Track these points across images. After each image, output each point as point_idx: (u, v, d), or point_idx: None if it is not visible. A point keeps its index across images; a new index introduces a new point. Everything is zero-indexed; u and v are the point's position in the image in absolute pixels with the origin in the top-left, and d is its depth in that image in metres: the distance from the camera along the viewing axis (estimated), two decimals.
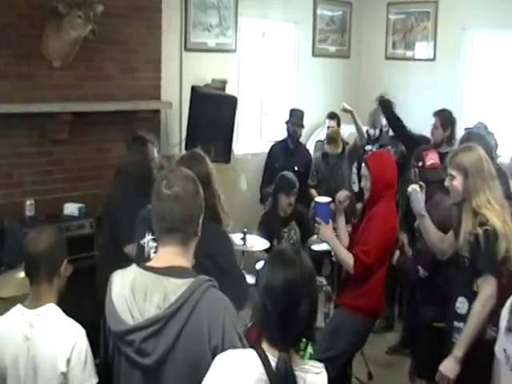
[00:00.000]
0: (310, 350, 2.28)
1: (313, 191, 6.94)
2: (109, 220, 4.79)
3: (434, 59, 8.53)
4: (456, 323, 3.67)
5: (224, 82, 7.03)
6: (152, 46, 6.44)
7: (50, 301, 2.89)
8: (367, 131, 7.60)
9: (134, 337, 2.23)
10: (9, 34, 5.39)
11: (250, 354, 2.12)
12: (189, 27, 7.00)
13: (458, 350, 3.53)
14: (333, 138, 6.97)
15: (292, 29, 8.31)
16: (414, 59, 8.75)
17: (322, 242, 4.91)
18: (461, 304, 3.64)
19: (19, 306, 2.90)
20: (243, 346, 2.24)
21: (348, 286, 4.45)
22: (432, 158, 4.84)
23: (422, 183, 4.18)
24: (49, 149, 5.74)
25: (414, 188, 4.08)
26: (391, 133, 6.75)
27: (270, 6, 7.83)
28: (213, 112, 6.33)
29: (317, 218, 4.44)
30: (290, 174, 6.20)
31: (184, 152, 6.60)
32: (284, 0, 7.98)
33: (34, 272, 2.90)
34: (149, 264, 2.38)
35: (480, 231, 3.47)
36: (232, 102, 6.57)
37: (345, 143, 7.14)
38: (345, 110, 7.09)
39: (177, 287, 2.25)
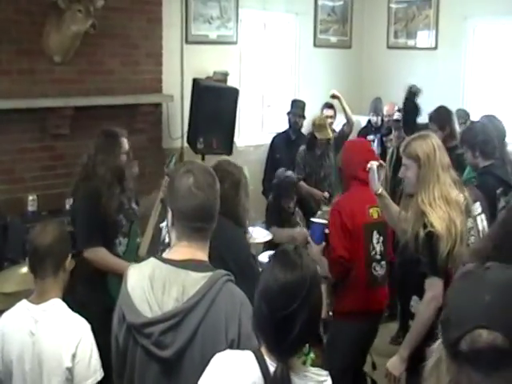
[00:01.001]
0: (312, 355, 2.15)
1: (302, 184, 6.75)
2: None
3: (435, 48, 8.51)
4: (410, 322, 3.68)
5: (225, 74, 7.03)
6: (153, 39, 6.44)
7: (55, 296, 2.90)
8: (369, 120, 7.60)
9: (153, 329, 2.23)
10: (9, 30, 5.40)
11: (249, 356, 2.04)
12: (189, 20, 6.99)
13: (404, 350, 3.52)
14: (322, 124, 6.85)
15: (293, 20, 8.29)
16: (416, 48, 8.72)
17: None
18: (414, 303, 3.61)
19: (24, 301, 2.91)
20: (259, 342, 2.19)
21: (335, 294, 4.47)
22: None
23: (381, 162, 4.05)
24: (50, 144, 5.76)
25: (371, 165, 3.88)
26: (396, 116, 6.73)
27: None
28: (214, 104, 6.32)
29: (309, 237, 4.49)
30: (288, 178, 6.22)
31: (185, 145, 6.64)
32: None
33: (40, 266, 2.90)
34: (166, 256, 2.36)
35: (422, 233, 3.38)
36: (233, 94, 6.56)
37: (333, 131, 7.09)
38: (333, 97, 7.06)
39: (195, 281, 2.24)
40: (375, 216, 4.41)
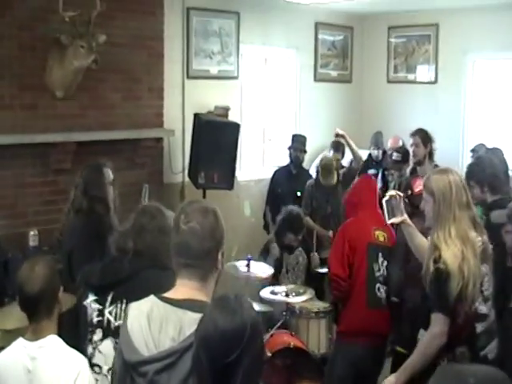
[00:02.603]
0: None
1: (307, 219, 6.65)
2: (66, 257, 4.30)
3: (435, 82, 8.58)
4: None
5: (226, 109, 7.06)
6: (154, 74, 6.48)
7: (51, 332, 2.86)
8: (370, 153, 7.61)
9: (148, 368, 2.20)
10: (12, 66, 5.44)
11: None
12: (191, 55, 7.05)
13: (400, 374, 3.46)
14: (327, 169, 6.71)
15: (294, 54, 8.36)
16: (416, 82, 8.79)
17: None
18: (421, 336, 3.55)
19: (20, 339, 2.87)
20: None
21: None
22: (420, 185, 4.80)
23: (399, 193, 3.97)
24: (52, 178, 5.76)
25: (390, 194, 3.84)
26: (395, 156, 6.76)
27: (272, 33, 7.89)
28: (216, 139, 6.33)
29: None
30: (296, 212, 6.09)
31: (187, 180, 6.64)
32: (285, 26, 8.03)
33: (33, 312, 2.86)
34: (166, 295, 2.34)
35: (431, 268, 3.33)
36: (235, 128, 6.58)
37: (339, 170, 7.01)
38: (337, 135, 7.05)
39: (192, 321, 2.19)
40: (381, 239, 4.46)
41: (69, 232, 4.39)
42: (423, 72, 8.70)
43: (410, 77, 8.85)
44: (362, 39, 9.19)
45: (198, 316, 2.19)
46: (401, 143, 7.57)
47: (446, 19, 8.33)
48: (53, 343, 2.84)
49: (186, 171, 6.68)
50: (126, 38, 6.15)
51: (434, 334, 3.39)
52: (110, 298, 3.08)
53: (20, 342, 2.86)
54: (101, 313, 3.08)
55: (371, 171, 7.19)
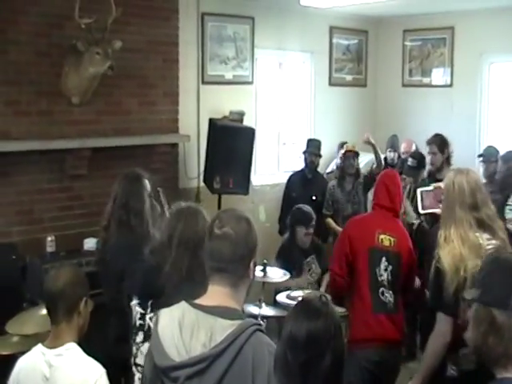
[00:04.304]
0: None
1: (329, 220, 6.91)
2: (113, 275, 4.17)
3: (451, 85, 8.54)
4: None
5: (241, 114, 7.07)
6: (169, 79, 6.50)
7: (69, 340, 2.88)
8: (385, 157, 7.59)
9: (179, 373, 2.22)
10: (29, 72, 5.47)
11: None
12: (206, 60, 7.06)
13: (415, 379, 3.55)
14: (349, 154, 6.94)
15: (308, 59, 8.35)
16: (431, 86, 8.75)
17: None
18: None
19: (39, 346, 2.89)
20: None
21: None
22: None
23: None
24: (68, 184, 5.79)
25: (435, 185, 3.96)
26: (410, 163, 6.72)
27: (287, 37, 7.89)
28: (231, 144, 6.34)
29: None
30: (306, 207, 6.19)
31: (202, 185, 6.64)
32: (300, 30, 8.03)
33: (53, 311, 2.90)
34: (198, 301, 2.35)
35: (432, 267, 3.39)
36: (250, 133, 6.58)
37: (359, 170, 7.08)
38: (368, 142, 7.04)
39: (223, 328, 2.23)
40: (386, 243, 4.39)
41: (114, 250, 4.23)
42: (438, 75, 8.66)
43: (426, 80, 8.82)
44: (376, 43, 9.17)
45: (229, 323, 2.24)
46: (414, 147, 7.54)
47: (461, 22, 8.29)
48: (71, 351, 2.85)
49: (202, 176, 6.69)
50: (141, 43, 6.18)
51: (436, 332, 3.44)
52: (150, 305, 3.19)
53: (39, 349, 2.89)
54: (143, 317, 3.21)
55: None
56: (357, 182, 6.92)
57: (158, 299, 3.06)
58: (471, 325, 1.99)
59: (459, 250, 3.33)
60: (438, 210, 3.86)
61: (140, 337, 3.20)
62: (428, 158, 6.38)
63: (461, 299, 3.23)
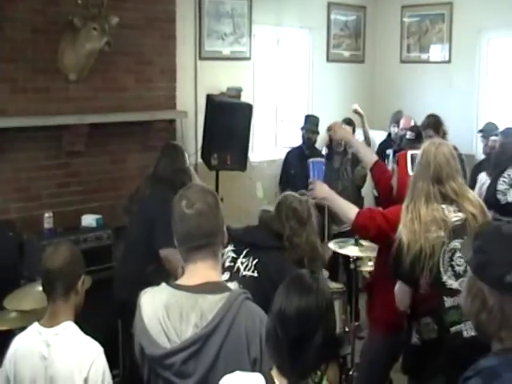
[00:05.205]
0: (325, 382, 2.13)
1: None
2: (143, 222, 4.71)
3: (449, 61, 8.52)
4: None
5: (239, 90, 7.05)
6: (167, 55, 6.47)
7: (66, 318, 2.88)
8: (389, 133, 7.58)
9: (174, 360, 2.20)
10: (25, 49, 5.44)
11: (258, 379, 2.02)
12: (203, 36, 7.03)
13: None
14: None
15: (306, 35, 8.32)
16: (429, 62, 8.73)
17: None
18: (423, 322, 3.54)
19: (36, 325, 2.89)
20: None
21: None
22: None
23: None
24: (65, 161, 5.78)
25: None
26: (409, 135, 6.72)
27: (284, 13, 7.85)
28: (228, 120, 6.32)
29: (310, 180, 4.05)
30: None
31: (199, 161, 6.64)
32: (298, 6, 7.98)
33: (50, 289, 2.90)
34: (180, 282, 2.35)
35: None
36: (247, 109, 6.56)
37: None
38: (356, 112, 7.05)
39: (213, 304, 2.22)
40: None
41: (148, 199, 4.78)
42: (437, 51, 8.64)
43: (424, 56, 8.79)
44: (374, 19, 9.12)
45: (217, 298, 2.23)
46: (413, 123, 7.53)
47: None
48: (68, 330, 2.86)
49: (199, 153, 6.68)
50: (138, 19, 6.14)
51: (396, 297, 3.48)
52: (245, 252, 3.43)
53: (35, 328, 2.89)
54: (234, 260, 3.43)
55: (388, 151, 7.16)
56: (345, 159, 6.92)
57: (253, 249, 3.43)
58: (464, 293, 1.96)
59: (416, 222, 3.32)
60: None
61: (225, 276, 3.32)
62: None
63: (418, 270, 3.28)
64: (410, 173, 3.84)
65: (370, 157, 4.70)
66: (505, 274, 1.82)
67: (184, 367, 2.20)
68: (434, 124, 6.30)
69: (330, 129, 4.97)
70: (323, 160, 4.26)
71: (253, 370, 2.15)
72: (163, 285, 2.38)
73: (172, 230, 3.84)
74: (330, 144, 6.97)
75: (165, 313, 2.26)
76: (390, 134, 7.69)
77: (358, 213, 3.75)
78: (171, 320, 2.25)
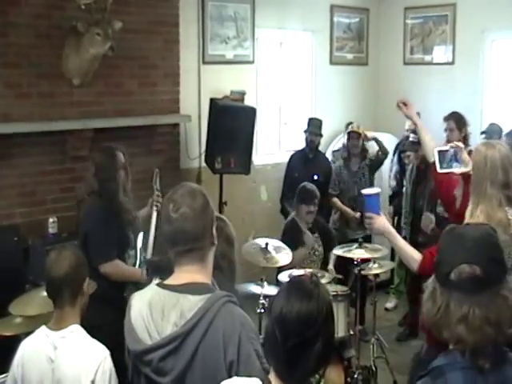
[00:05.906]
0: None
1: (335, 200, 6.92)
2: (80, 241, 4.51)
3: (453, 63, 8.50)
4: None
5: (242, 94, 7.06)
6: (170, 60, 6.49)
7: (73, 322, 2.91)
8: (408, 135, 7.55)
9: (152, 356, 2.23)
10: (29, 54, 5.47)
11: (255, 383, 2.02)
12: (206, 40, 7.04)
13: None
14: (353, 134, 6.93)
15: (309, 38, 8.32)
16: (433, 63, 8.72)
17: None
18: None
19: (43, 328, 2.92)
20: (261, 364, 2.21)
21: None
22: None
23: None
24: (70, 166, 5.80)
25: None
26: (412, 138, 6.70)
27: (287, 16, 7.85)
28: (232, 124, 6.34)
29: (367, 213, 3.75)
30: (310, 185, 6.22)
31: (203, 165, 6.65)
32: (301, 9, 7.99)
33: (57, 296, 2.92)
34: (166, 282, 2.37)
35: None
36: (251, 113, 6.57)
37: (367, 151, 7.07)
38: (369, 139, 7.02)
39: (193, 304, 2.24)
40: None
41: (83, 214, 4.65)
42: (440, 53, 8.62)
43: (427, 58, 8.78)
44: (377, 21, 9.11)
45: (198, 298, 2.24)
46: None
47: None
48: (75, 333, 2.89)
49: (203, 156, 6.70)
50: (141, 24, 6.16)
51: None
52: None
53: (43, 331, 2.91)
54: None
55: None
56: (363, 163, 6.92)
57: None
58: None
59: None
60: (456, 170, 3.77)
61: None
62: (444, 135, 6.26)
63: None
64: (439, 170, 3.79)
65: (431, 147, 4.49)
66: (450, 272, 1.92)
67: (162, 364, 2.22)
68: (458, 121, 6.22)
69: (402, 103, 4.77)
70: (379, 191, 4.06)
71: (229, 373, 2.16)
72: (151, 284, 2.42)
73: (105, 241, 3.92)
74: (347, 147, 6.96)
75: (148, 311, 2.29)
76: (407, 137, 7.62)
77: (423, 259, 3.53)
78: (153, 317, 2.28)
